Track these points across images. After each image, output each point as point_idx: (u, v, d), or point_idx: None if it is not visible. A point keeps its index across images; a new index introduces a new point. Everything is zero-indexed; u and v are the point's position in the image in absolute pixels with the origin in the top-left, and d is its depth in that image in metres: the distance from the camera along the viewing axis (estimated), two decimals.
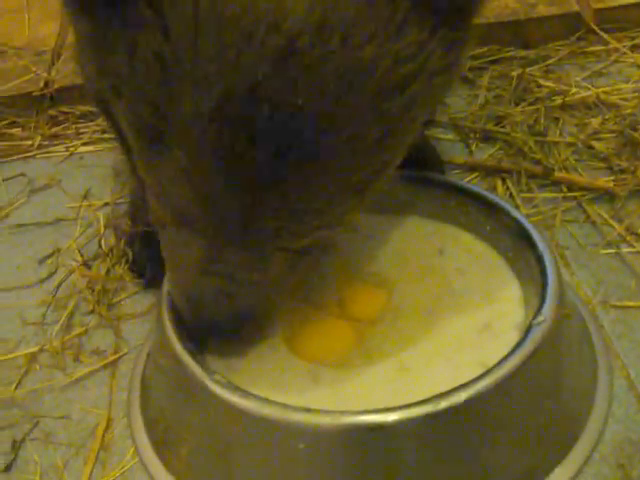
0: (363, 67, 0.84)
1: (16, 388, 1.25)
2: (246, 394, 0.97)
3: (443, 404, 0.93)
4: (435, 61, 0.90)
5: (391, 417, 0.93)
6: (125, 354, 1.29)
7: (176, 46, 0.84)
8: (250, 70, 0.82)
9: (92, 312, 1.38)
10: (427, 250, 1.27)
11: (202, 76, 0.83)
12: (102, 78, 0.94)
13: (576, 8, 1.97)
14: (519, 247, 1.18)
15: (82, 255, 1.49)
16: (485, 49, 1.94)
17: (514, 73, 1.85)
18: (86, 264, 1.47)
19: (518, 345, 1.00)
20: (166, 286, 1.12)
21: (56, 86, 1.94)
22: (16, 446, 1.16)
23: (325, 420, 0.94)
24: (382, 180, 0.98)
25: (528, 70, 1.85)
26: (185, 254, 0.99)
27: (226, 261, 0.96)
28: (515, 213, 1.20)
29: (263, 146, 0.85)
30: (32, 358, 1.30)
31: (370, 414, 0.94)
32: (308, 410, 0.95)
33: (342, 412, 0.94)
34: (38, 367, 1.29)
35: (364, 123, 0.88)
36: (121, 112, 0.93)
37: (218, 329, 1.04)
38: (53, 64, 2.03)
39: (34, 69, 1.99)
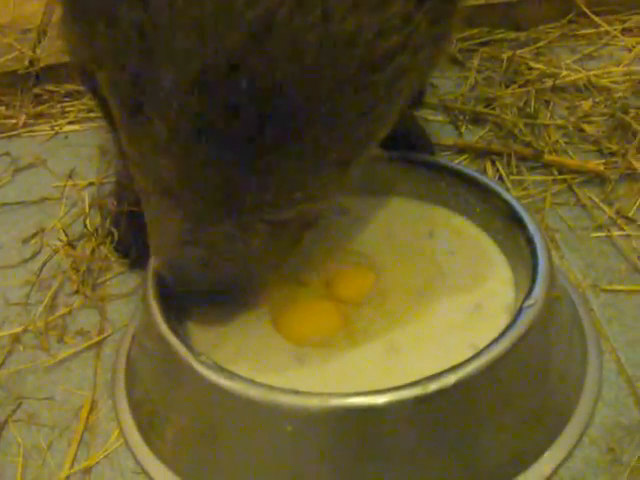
0: (345, 40, 0.82)
1: None
2: (232, 375, 0.96)
3: (433, 386, 0.92)
4: (421, 34, 0.89)
5: (380, 399, 0.92)
6: (110, 335, 1.28)
7: (154, 17, 0.82)
8: (228, 42, 0.80)
9: (76, 292, 1.36)
10: (416, 232, 1.26)
11: (180, 47, 0.81)
12: (84, 50, 0.93)
13: None
14: (509, 229, 1.17)
15: (67, 235, 1.47)
16: (475, 31, 1.93)
17: (504, 55, 1.84)
18: (71, 244, 1.45)
19: (508, 327, 0.99)
20: (152, 266, 1.11)
21: (41, 64, 1.92)
22: None
23: (313, 402, 0.92)
24: (366, 154, 0.97)
25: (519, 52, 1.85)
26: (167, 223, 0.98)
27: (207, 231, 0.95)
28: (506, 195, 1.19)
29: (242, 119, 0.83)
30: (15, 339, 1.29)
31: (359, 396, 0.93)
32: (296, 392, 0.94)
33: (330, 394, 0.93)
34: (22, 348, 1.27)
35: (346, 96, 0.86)
36: (103, 83, 0.92)
37: (199, 296, 1.03)
38: (39, 42, 2.01)
39: (19, 47, 1.97)
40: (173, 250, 1.00)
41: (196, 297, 1.06)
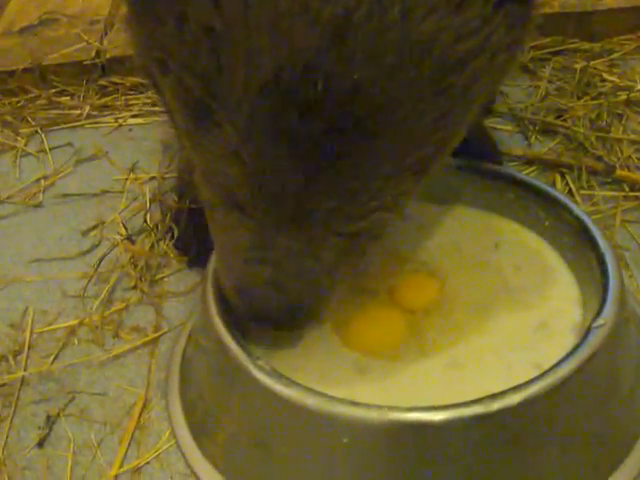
0: (423, 41, 0.80)
1: (53, 362, 1.23)
2: (290, 383, 0.94)
3: (495, 405, 0.89)
4: (498, 38, 0.87)
5: (439, 416, 0.89)
6: (165, 333, 1.27)
7: (227, 17, 0.80)
8: (304, 42, 0.78)
9: (134, 288, 1.36)
10: (482, 243, 1.23)
11: (254, 48, 0.79)
12: (150, 52, 0.91)
13: None
14: (579, 246, 1.14)
15: (126, 229, 1.47)
16: (548, 39, 1.90)
17: (577, 66, 1.81)
18: (130, 238, 1.45)
19: (576, 348, 0.96)
20: (211, 265, 1.09)
21: (107, 56, 1.93)
22: (50, 421, 1.14)
23: (372, 415, 0.90)
24: (439, 161, 0.95)
25: (592, 63, 1.81)
26: (234, 239, 0.95)
27: (277, 247, 0.91)
28: (577, 210, 1.16)
29: (317, 122, 0.81)
30: (71, 332, 1.28)
31: (418, 411, 0.90)
32: (354, 403, 0.91)
33: (390, 407, 0.90)
34: (76, 341, 1.27)
35: (422, 100, 0.84)
36: (168, 88, 0.90)
37: (268, 320, 0.99)
38: (105, 34, 2.02)
39: (86, 38, 1.97)
40: (239, 269, 0.96)
41: (263, 323, 1.01)
